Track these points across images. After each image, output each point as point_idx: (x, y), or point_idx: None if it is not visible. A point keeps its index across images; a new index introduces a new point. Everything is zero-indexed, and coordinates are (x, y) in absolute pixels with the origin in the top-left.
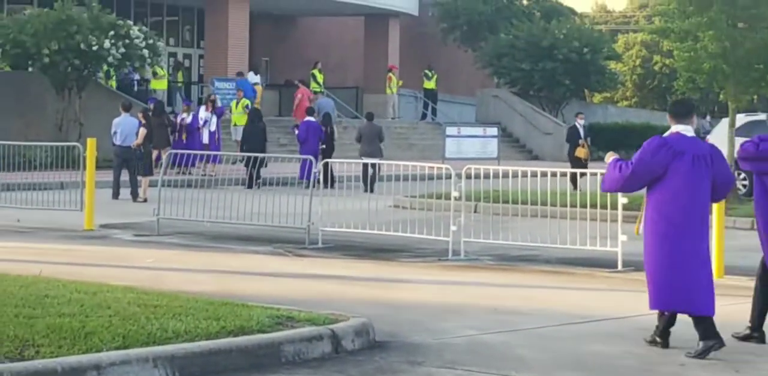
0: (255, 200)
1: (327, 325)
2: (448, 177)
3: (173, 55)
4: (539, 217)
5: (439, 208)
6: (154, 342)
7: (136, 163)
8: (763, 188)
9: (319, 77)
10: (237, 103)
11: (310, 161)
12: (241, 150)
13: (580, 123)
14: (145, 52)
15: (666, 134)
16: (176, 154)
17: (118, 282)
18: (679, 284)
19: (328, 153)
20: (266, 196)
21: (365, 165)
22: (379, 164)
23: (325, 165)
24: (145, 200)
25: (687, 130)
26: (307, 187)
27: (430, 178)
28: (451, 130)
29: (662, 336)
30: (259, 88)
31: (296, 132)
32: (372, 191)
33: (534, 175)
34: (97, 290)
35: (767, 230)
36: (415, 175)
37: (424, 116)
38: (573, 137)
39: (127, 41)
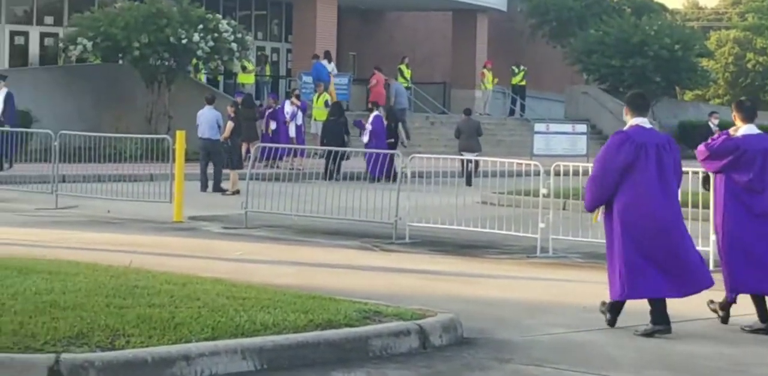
0: (342, 195)
1: (414, 320)
2: (537, 174)
3: (261, 49)
4: None
5: (528, 204)
6: (243, 334)
7: (221, 156)
8: (723, 185)
9: (407, 72)
10: (318, 97)
11: (383, 156)
12: (321, 144)
13: (714, 122)
14: (234, 45)
15: (626, 128)
16: (264, 148)
17: (207, 274)
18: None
19: (394, 147)
20: (354, 190)
21: (464, 159)
22: (476, 159)
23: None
24: (237, 192)
25: (645, 122)
26: (372, 181)
27: (518, 174)
28: (539, 127)
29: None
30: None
31: (368, 126)
32: (470, 184)
33: None
34: (186, 281)
35: (723, 226)
36: (503, 171)
37: (512, 112)
38: (707, 137)
39: (215, 35)
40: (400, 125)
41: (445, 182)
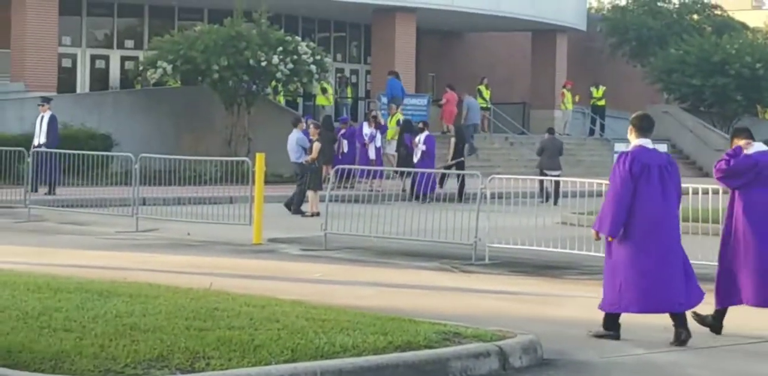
0: (421, 216)
1: (494, 341)
2: None
3: (340, 70)
4: (710, 235)
5: None
6: (322, 356)
7: (306, 178)
8: (740, 201)
9: (486, 93)
10: (391, 117)
11: (430, 175)
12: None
13: None
14: (313, 67)
15: (630, 148)
16: (342, 170)
17: (286, 296)
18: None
19: (461, 167)
20: (432, 211)
21: (543, 179)
22: (557, 179)
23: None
24: (317, 214)
25: (648, 143)
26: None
27: (599, 194)
28: (619, 147)
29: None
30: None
31: (421, 146)
32: (556, 203)
33: (705, 192)
34: (265, 303)
35: (737, 237)
36: (583, 191)
37: (591, 132)
38: None
39: (295, 57)
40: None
41: (524, 203)
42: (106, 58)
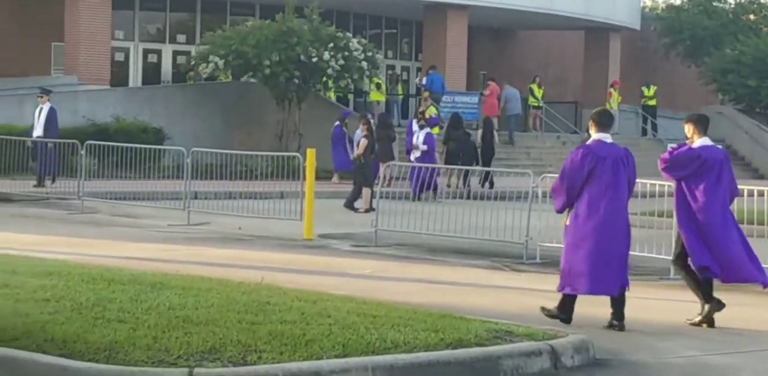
0: (472, 214)
1: (546, 340)
2: (670, 195)
3: (391, 67)
4: (766, 237)
5: (661, 225)
6: (373, 352)
7: (357, 174)
8: (682, 192)
9: (538, 92)
10: (425, 109)
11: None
12: (446, 162)
13: None
14: (364, 64)
15: (589, 142)
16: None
17: (337, 291)
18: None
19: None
20: (484, 209)
21: None
22: None
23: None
24: (369, 210)
25: (607, 137)
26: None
27: (652, 195)
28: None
29: None
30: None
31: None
32: None
33: (761, 194)
34: (317, 298)
35: (687, 227)
36: (636, 192)
37: (644, 132)
38: None
39: (346, 53)
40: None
41: None
42: (159, 53)
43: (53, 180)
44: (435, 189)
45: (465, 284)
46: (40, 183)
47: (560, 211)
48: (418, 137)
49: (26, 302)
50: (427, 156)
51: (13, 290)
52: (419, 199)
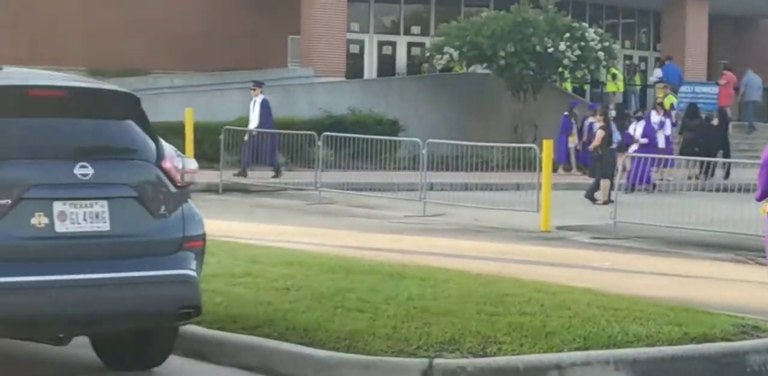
0: (715, 206)
1: None
2: None
3: (628, 57)
4: None
5: None
6: (615, 345)
7: (595, 166)
8: None
9: None
10: (662, 98)
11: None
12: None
13: None
14: (601, 54)
15: None
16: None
17: (576, 283)
18: None
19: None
20: (726, 202)
21: None
22: None
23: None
24: (608, 202)
25: None
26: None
27: None
28: None
29: None
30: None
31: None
32: None
33: None
34: (556, 290)
35: None
36: None
37: None
38: None
39: (582, 43)
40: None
41: None
42: (393, 45)
43: (277, 173)
44: (649, 181)
45: (707, 277)
46: (243, 173)
47: (759, 199)
48: (636, 130)
49: (267, 290)
50: (647, 148)
51: (254, 279)
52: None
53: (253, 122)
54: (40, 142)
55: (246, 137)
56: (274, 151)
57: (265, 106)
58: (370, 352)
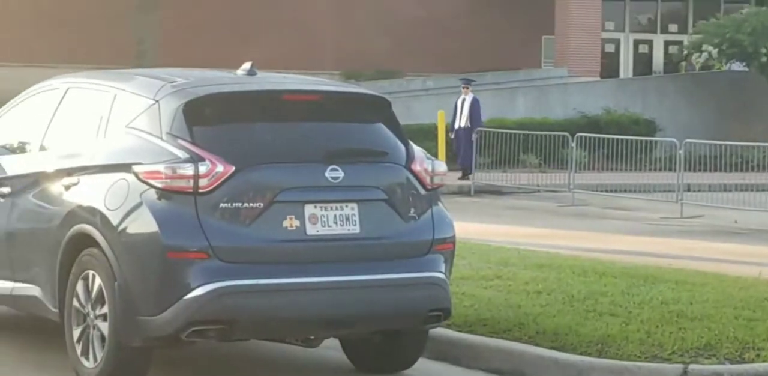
0: None
1: None
2: None
3: None
4: None
5: None
6: None
7: None
8: None
9: None
10: None
11: None
12: None
13: None
14: None
15: None
16: None
17: None
18: None
19: None
20: None
21: None
22: None
23: None
24: None
25: None
26: None
27: None
28: None
29: None
30: None
31: None
32: None
33: None
34: None
35: None
36: None
37: None
38: None
39: None
40: None
41: None
42: (650, 43)
43: (464, 174)
44: None
45: None
46: (465, 175)
47: None
48: None
49: (518, 293)
50: None
51: (505, 282)
52: None
53: (462, 121)
54: (292, 145)
55: (452, 136)
56: (469, 151)
57: (475, 105)
58: (622, 357)
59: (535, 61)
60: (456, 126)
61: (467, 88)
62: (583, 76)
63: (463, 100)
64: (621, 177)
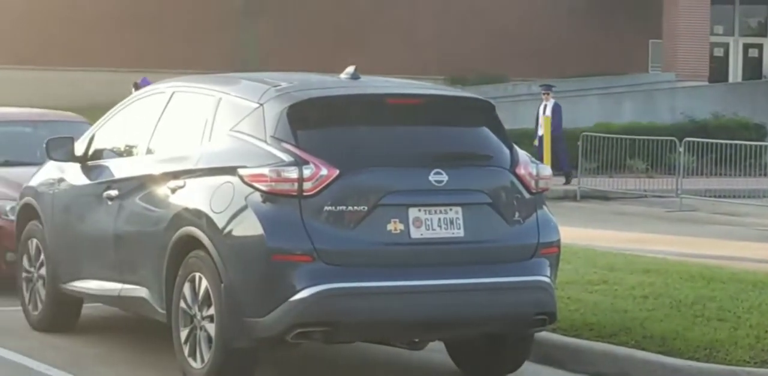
0: None
1: None
2: None
3: None
4: None
5: None
6: None
7: None
8: None
9: None
10: None
11: None
12: None
13: None
14: None
15: None
16: None
17: None
18: None
19: None
20: None
21: None
22: None
23: None
24: None
25: None
26: None
27: None
28: None
29: None
30: None
31: None
32: None
33: None
34: None
35: None
36: None
37: None
38: None
39: None
40: None
41: None
42: (759, 47)
43: (568, 179)
44: None
45: None
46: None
47: None
48: None
49: (624, 298)
50: None
51: (611, 287)
52: None
53: (543, 127)
54: (396, 149)
55: (536, 143)
56: (564, 156)
57: (556, 110)
58: (731, 362)
59: (642, 66)
60: (540, 133)
61: (548, 94)
62: (691, 80)
63: (545, 107)
64: (729, 182)
